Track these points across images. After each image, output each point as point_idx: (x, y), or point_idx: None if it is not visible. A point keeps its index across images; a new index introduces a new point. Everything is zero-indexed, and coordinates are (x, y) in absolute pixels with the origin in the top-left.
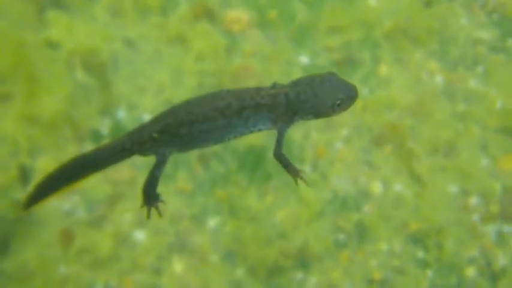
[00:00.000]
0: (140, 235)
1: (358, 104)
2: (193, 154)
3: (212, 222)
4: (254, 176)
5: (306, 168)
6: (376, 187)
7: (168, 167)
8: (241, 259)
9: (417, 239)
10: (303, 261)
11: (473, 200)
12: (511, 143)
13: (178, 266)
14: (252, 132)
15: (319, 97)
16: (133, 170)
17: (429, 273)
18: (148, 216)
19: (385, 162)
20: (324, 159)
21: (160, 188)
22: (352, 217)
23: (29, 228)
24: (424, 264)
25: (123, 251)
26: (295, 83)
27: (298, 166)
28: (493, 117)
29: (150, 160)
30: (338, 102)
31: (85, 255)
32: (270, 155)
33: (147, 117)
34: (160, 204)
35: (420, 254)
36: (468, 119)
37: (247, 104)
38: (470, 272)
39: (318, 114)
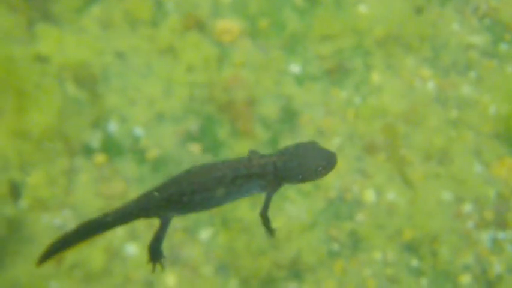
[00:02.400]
0: (132, 249)
1: (350, 112)
2: (185, 165)
3: (204, 234)
4: None
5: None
6: (369, 195)
7: (160, 179)
8: (234, 271)
9: (411, 247)
10: (296, 272)
11: (468, 207)
12: (505, 148)
13: (171, 279)
14: (245, 196)
15: (303, 165)
16: (125, 183)
17: (424, 281)
18: (154, 270)
19: (378, 170)
20: None
21: None
22: (346, 226)
23: (20, 244)
24: (418, 273)
25: (114, 266)
26: (282, 153)
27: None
28: (486, 123)
29: (143, 175)
30: (320, 169)
31: (77, 270)
32: None
33: (138, 130)
34: (163, 259)
35: (414, 262)
36: (461, 125)
37: (240, 174)
38: (466, 279)
39: (303, 180)
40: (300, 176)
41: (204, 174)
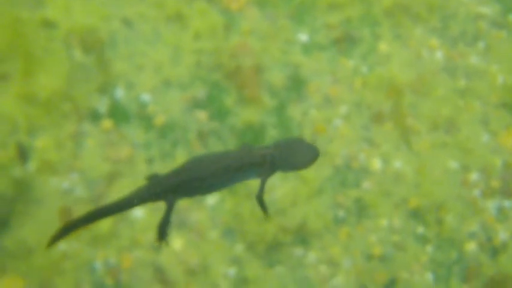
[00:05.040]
0: (139, 213)
1: (357, 81)
2: (192, 131)
3: (211, 199)
4: None
5: None
6: (376, 164)
7: (167, 146)
8: (240, 235)
9: (417, 215)
10: (302, 237)
11: (474, 176)
12: (511, 118)
13: (177, 242)
14: (244, 180)
15: (295, 156)
16: (132, 148)
17: (429, 248)
18: (160, 247)
19: (385, 139)
20: (323, 136)
21: (160, 167)
22: (352, 194)
23: (28, 206)
24: (424, 240)
25: (122, 229)
26: (276, 145)
27: None
28: (494, 93)
29: (150, 141)
30: (308, 159)
31: (84, 232)
32: (268, 132)
33: (145, 96)
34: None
35: (420, 229)
36: (469, 95)
37: (244, 163)
38: (471, 247)
39: (293, 168)
40: (292, 166)
41: (213, 163)
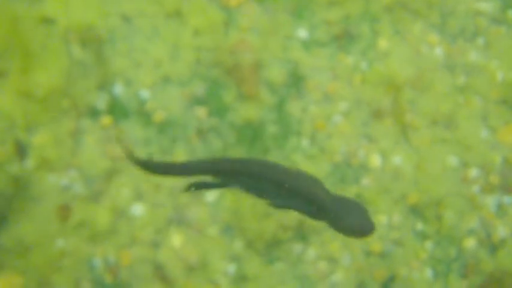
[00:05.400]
0: (138, 209)
1: (357, 78)
2: (191, 128)
3: (211, 196)
4: (252, 149)
5: (304, 142)
6: (375, 160)
7: (166, 142)
8: (239, 232)
9: (416, 211)
10: (302, 233)
11: (473, 172)
12: (511, 114)
13: (176, 239)
14: (287, 208)
15: (341, 215)
16: (131, 145)
17: (428, 244)
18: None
19: (384, 135)
20: (323, 132)
21: None
22: (351, 190)
23: (26, 203)
24: (423, 236)
25: (120, 225)
26: (337, 197)
27: (296, 140)
28: (493, 89)
29: (149, 137)
30: (355, 229)
31: (83, 229)
32: (268, 129)
33: (144, 92)
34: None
35: (419, 226)
36: (468, 91)
37: (297, 190)
38: (470, 243)
39: (335, 226)
40: (338, 225)
41: (272, 170)
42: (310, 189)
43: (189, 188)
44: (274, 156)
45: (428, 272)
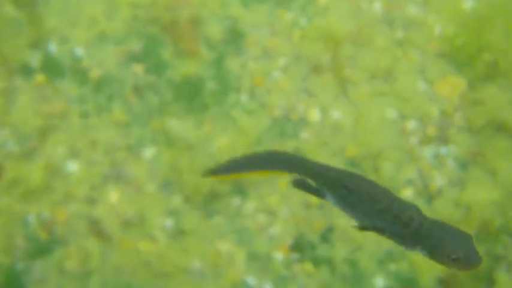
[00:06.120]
0: (73, 166)
1: (296, 33)
2: (128, 85)
3: (148, 152)
4: (191, 106)
5: (243, 98)
6: (315, 114)
7: (102, 100)
8: (178, 187)
9: (355, 163)
10: (240, 187)
11: (411, 124)
12: (449, 67)
13: (113, 195)
14: (378, 233)
15: (442, 242)
16: (66, 103)
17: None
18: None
19: (324, 90)
20: (262, 88)
21: (94, 120)
22: (290, 144)
23: None
24: None
25: (55, 182)
26: (435, 222)
27: (235, 96)
28: (431, 42)
29: (84, 95)
30: (454, 256)
31: (16, 187)
32: (207, 85)
33: (79, 50)
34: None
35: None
36: (407, 45)
37: (390, 210)
38: (408, 193)
39: (431, 254)
40: (431, 250)
41: (367, 186)
42: (406, 210)
43: (293, 183)
44: (214, 112)
45: None
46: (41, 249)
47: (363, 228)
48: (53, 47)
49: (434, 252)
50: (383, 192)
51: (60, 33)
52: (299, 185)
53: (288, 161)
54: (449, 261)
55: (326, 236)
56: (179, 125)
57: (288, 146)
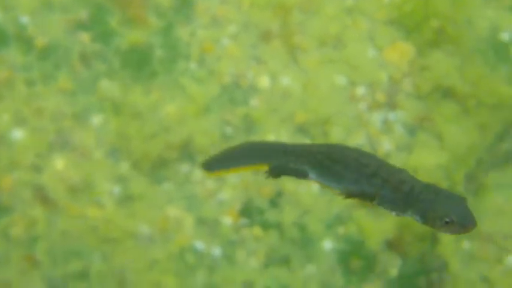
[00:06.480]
0: (18, 134)
1: (245, 1)
2: (74, 53)
3: (95, 119)
4: (139, 73)
5: (192, 65)
6: (264, 81)
7: (48, 67)
8: (125, 154)
9: (303, 129)
10: (189, 153)
11: (361, 90)
12: (397, 33)
13: (59, 162)
14: (364, 200)
15: (434, 205)
16: (10, 70)
17: None
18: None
19: (273, 57)
20: (211, 55)
21: (40, 88)
22: (240, 111)
23: None
24: None
25: (0, 150)
26: (427, 185)
27: (184, 63)
28: (380, 10)
29: (30, 63)
30: (447, 219)
31: None
32: (156, 53)
33: (24, 18)
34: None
35: (306, 142)
36: (356, 12)
37: (380, 173)
38: None
39: (424, 218)
40: (423, 213)
41: (352, 153)
42: (396, 174)
43: (269, 172)
44: (162, 80)
45: (314, 186)
46: None
47: (348, 195)
48: None
49: (426, 216)
50: (370, 156)
51: (4, 1)
52: (275, 171)
53: (266, 151)
54: (442, 225)
55: (275, 200)
56: (112, 86)
57: (237, 113)
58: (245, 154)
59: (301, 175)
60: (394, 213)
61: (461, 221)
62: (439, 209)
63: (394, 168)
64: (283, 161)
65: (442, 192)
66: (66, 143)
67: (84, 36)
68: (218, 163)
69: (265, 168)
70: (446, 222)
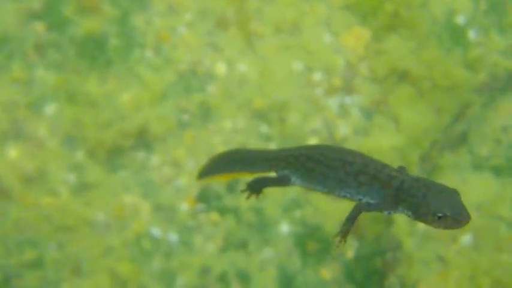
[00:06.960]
0: None
1: None
2: (28, 43)
3: (49, 109)
4: (94, 62)
5: (148, 53)
6: (221, 68)
7: (2, 58)
8: (80, 143)
9: (261, 115)
10: (145, 141)
11: (317, 75)
12: (354, 18)
13: (12, 152)
14: (355, 198)
15: (426, 200)
16: None
17: (272, 145)
18: (248, 198)
19: (230, 44)
20: (167, 43)
21: None
22: (196, 98)
23: None
24: (267, 138)
25: None
26: (417, 179)
27: (140, 52)
28: None
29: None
30: (440, 214)
31: None
32: (111, 42)
33: None
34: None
35: (264, 128)
36: None
37: (367, 171)
38: (313, 141)
39: (416, 214)
40: (415, 209)
41: (336, 153)
42: (384, 169)
43: (247, 188)
44: (118, 69)
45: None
46: None
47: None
48: None
49: (418, 212)
50: (353, 154)
51: None
52: (255, 187)
53: (248, 160)
54: (435, 220)
55: (232, 186)
56: (45, 74)
57: (194, 100)
58: (229, 162)
59: (283, 182)
60: (386, 212)
61: (455, 215)
62: (431, 204)
63: (380, 163)
64: (266, 167)
65: (434, 186)
66: (19, 132)
67: (39, 26)
68: (206, 171)
69: (249, 176)
70: (440, 218)
